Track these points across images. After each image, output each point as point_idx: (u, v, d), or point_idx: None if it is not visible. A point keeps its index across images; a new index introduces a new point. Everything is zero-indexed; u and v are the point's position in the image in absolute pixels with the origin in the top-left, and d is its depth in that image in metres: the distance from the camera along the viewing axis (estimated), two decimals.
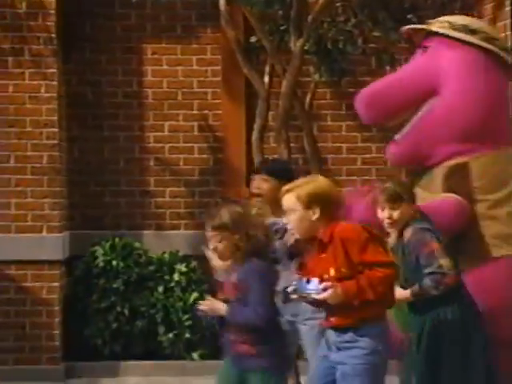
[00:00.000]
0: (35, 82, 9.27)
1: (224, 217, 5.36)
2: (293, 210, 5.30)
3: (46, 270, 9.30)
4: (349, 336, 5.21)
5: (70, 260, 9.58)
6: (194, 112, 10.06)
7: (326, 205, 5.26)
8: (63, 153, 9.55)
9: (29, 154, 9.24)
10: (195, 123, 10.08)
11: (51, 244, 9.26)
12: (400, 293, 5.65)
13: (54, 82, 9.33)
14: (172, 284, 9.58)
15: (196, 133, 10.08)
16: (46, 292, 9.30)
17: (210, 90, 10.02)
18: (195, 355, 9.42)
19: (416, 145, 6.57)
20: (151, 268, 9.62)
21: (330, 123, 10.00)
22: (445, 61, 6.66)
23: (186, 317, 9.38)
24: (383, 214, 5.81)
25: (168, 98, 10.03)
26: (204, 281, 9.53)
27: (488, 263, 6.57)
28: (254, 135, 8.94)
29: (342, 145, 10.05)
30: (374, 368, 5.21)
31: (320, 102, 9.72)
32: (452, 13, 8.63)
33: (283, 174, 6.53)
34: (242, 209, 5.53)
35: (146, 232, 9.94)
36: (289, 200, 5.32)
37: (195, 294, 9.43)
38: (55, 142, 9.33)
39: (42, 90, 9.29)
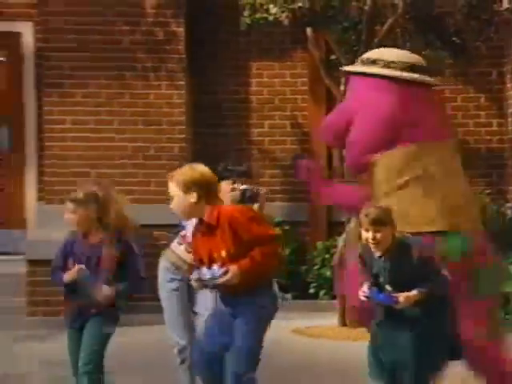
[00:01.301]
0: (169, 92, 9.34)
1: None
2: (175, 195, 4.72)
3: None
4: (243, 301, 4.75)
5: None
6: (287, 113, 10.09)
7: (202, 188, 4.67)
8: (190, 144, 9.61)
9: (164, 145, 9.33)
10: (288, 122, 10.11)
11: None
12: (408, 295, 4.93)
13: (183, 92, 9.40)
14: None
15: (288, 129, 10.12)
16: None
17: (299, 96, 10.04)
18: None
19: (350, 158, 6.01)
20: None
21: None
22: (354, 94, 6.08)
23: None
24: (367, 235, 5.02)
25: (267, 102, 10.06)
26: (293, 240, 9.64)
27: None
28: None
29: None
30: (261, 320, 4.81)
31: None
32: (487, 36, 8.69)
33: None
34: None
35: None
36: (171, 187, 4.74)
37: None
38: (184, 136, 9.41)
39: (175, 98, 9.35)
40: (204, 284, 4.68)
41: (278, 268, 4.93)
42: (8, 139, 10.03)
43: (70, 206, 5.23)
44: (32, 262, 8.72)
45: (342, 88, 8.91)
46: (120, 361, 6.56)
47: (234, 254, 4.63)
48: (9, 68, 9.96)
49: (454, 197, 5.87)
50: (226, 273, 4.58)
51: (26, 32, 9.74)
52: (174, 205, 4.71)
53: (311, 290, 9.59)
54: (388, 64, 5.97)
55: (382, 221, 4.98)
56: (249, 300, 4.73)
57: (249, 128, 10.10)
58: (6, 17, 9.74)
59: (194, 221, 5.00)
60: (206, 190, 4.68)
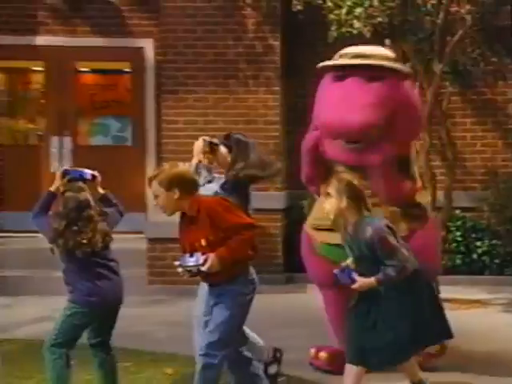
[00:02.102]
0: (266, 96, 9.33)
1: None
2: (158, 194, 4.46)
3: (272, 215, 9.34)
4: (221, 288, 4.48)
5: (287, 209, 9.59)
6: None
7: (183, 185, 4.43)
8: (282, 141, 9.56)
9: (261, 141, 9.23)
10: None
11: (275, 198, 9.32)
12: (364, 281, 4.59)
13: (278, 96, 9.37)
14: None
15: None
16: (271, 229, 9.35)
17: None
18: None
19: None
20: None
21: (458, 120, 9.72)
22: (400, 94, 5.63)
23: None
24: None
25: None
26: None
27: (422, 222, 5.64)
28: None
29: (467, 134, 9.77)
30: (240, 306, 4.49)
31: (452, 106, 9.41)
32: None
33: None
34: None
35: None
36: (154, 186, 4.47)
37: None
38: (278, 134, 9.39)
39: (270, 101, 9.34)
40: (187, 270, 4.39)
41: (254, 255, 4.52)
42: (132, 136, 10.16)
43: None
44: (151, 240, 8.90)
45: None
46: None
47: (212, 242, 4.37)
48: (133, 77, 10.11)
49: None
50: (206, 260, 4.33)
51: (148, 47, 9.84)
52: (158, 203, 4.47)
53: None
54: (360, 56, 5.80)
55: (338, 192, 4.59)
56: (229, 288, 4.46)
57: None
58: (131, 35, 9.86)
59: None
60: (186, 186, 4.44)
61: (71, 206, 4.62)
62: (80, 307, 4.67)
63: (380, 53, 5.77)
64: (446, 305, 7.98)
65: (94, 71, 10.27)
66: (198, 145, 5.33)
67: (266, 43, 9.28)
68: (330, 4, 8.32)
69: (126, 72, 10.16)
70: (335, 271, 4.67)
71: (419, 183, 5.84)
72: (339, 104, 5.54)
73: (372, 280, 4.58)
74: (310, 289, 8.91)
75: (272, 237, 9.36)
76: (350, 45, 9.40)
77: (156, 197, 4.47)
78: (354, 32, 8.22)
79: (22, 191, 9.23)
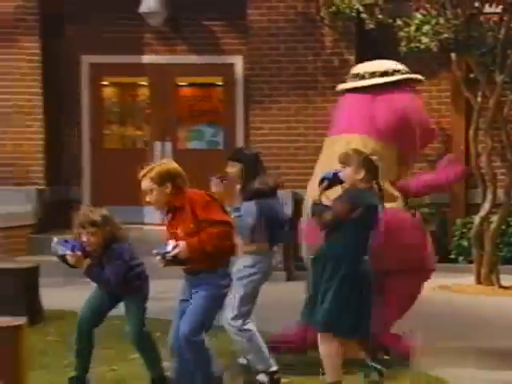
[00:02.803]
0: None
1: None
2: (150, 189, 4.17)
3: None
4: (198, 277, 4.18)
5: None
6: (433, 120, 9.72)
7: (174, 179, 4.15)
8: None
9: None
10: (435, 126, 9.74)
11: None
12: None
13: None
14: None
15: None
16: None
17: (443, 106, 9.60)
18: None
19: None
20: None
21: None
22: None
23: None
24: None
25: None
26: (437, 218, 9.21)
27: None
28: (471, 133, 8.54)
29: None
30: (216, 297, 4.19)
31: None
32: None
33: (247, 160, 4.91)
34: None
35: None
36: (146, 183, 4.18)
37: None
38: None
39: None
40: (162, 257, 4.07)
41: (231, 251, 4.23)
42: (223, 141, 10.15)
43: None
44: None
45: (478, 99, 8.56)
46: None
47: (190, 233, 4.08)
48: (225, 90, 10.09)
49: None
50: (175, 247, 4.06)
51: (238, 63, 9.81)
52: (151, 198, 4.19)
53: (451, 256, 9.23)
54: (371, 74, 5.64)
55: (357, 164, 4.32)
56: (208, 279, 4.16)
57: None
58: (223, 53, 9.83)
59: None
60: (176, 181, 4.16)
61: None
62: None
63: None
64: (505, 292, 7.94)
65: (191, 85, 10.31)
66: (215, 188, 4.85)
67: (341, 58, 9.15)
68: (399, 22, 8.24)
69: (219, 85, 10.17)
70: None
71: None
72: None
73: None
74: None
75: None
76: (419, 58, 9.35)
77: (148, 192, 4.18)
78: (422, 47, 8.13)
79: (128, 188, 9.36)
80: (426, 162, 9.65)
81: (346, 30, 9.08)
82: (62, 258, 4.50)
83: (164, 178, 4.15)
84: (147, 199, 4.24)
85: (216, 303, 4.23)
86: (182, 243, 4.05)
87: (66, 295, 7.19)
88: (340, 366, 4.33)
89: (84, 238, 4.52)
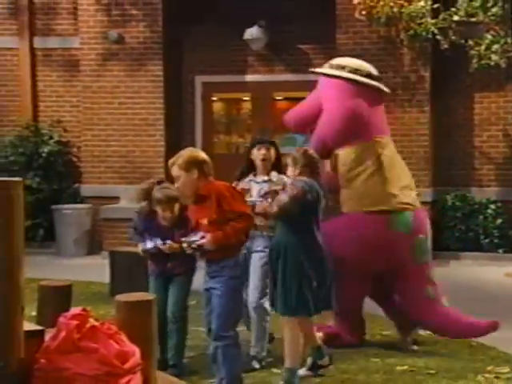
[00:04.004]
0: (418, 115, 9.00)
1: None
2: (179, 176, 3.80)
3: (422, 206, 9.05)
4: (215, 267, 3.79)
5: (433, 202, 9.19)
6: (500, 127, 9.31)
7: (200, 166, 3.78)
8: (431, 149, 9.13)
9: (414, 150, 9.00)
10: (500, 133, 9.32)
11: (424, 193, 8.83)
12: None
13: (427, 114, 9.05)
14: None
15: (500, 138, 9.33)
16: None
17: (509, 115, 9.23)
18: None
19: (315, 145, 4.89)
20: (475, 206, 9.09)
21: None
22: (324, 90, 5.09)
23: None
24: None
25: (486, 120, 9.36)
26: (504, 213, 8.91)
27: (341, 215, 4.95)
28: None
29: None
30: (234, 290, 3.77)
31: None
32: None
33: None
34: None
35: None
36: (174, 170, 3.82)
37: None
38: (427, 143, 9.01)
39: (421, 119, 9.00)
40: (188, 245, 3.82)
41: (245, 241, 3.88)
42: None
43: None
44: None
45: None
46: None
47: (214, 222, 3.73)
48: None
49: (399, 182, 4.84)
50: (203, 237, 3.76)
51: None
52: (180, 184, 3.83)
53: None
54: (354, 70, 4.99)
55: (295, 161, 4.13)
56: (223, 272, 3.76)
57: (473, 137, 9.52)
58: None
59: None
60: (203, 168, 3.80)
61: None
62: None
63: (333, 63, 5.19)
64: None
65: (286, 99, 10.37)
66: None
67: (418, 74, 9.03)
68: (471, 42, 8.05)
69: None
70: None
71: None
72: None
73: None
74: (453, 264, 8.63)
75: None
76: (487, 73, 9.07)
77: (176, 179, 3.84)
78: (492, 64, 7.93)
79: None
80: (493, 165, 9.40)
81: (422, 50, 8.95)
82: (157, 249, 4.28)
83: (190, 165, 3.79)
84: (176, 186, 3.94)
85: (235, 295, 3.82)
86: (209, 235, 3.74)
87: None
88: (300, 353, 4.11)
89: (160, 213, 4.29)
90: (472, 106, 9.47)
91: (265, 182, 4.57)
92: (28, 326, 2.42)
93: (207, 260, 3.86)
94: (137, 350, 2.39)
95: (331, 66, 5.11)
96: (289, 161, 4.21)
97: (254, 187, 4.56)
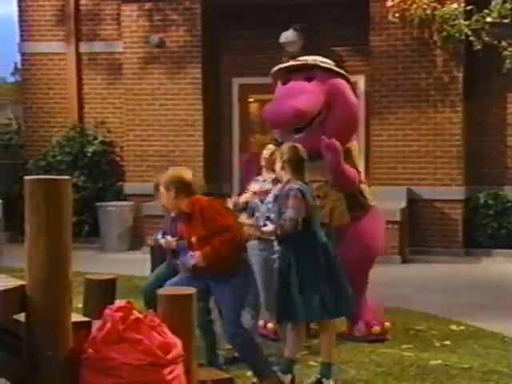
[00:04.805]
0: (450, 115, 8.85)
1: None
2: (163, 193, 3.87)
3: (454, 204, 8.90)
4: (219, 282, 3.74)
5: (465, 200, 9.05)
6: None
7: (179, 185, 3.76)
8: (463, 148, 9.00)
9: (446, 149, 8.88)
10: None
11: (457, 191, 8.82)
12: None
13: (460, 114, 8.85)
14: None
15: None
16: (454, 214, 8.87)
17: None
18: None
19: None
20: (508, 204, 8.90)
21: None
22: (332, 86, 4.82)
23: None
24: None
25: None
26: None
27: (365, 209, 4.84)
28: None
29: None
30: (238, 296, 3.74)
31: None
32: None
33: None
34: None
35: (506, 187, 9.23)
36: (161, 189, 3.90)
37: None
38: (459, 143, 8.89)
39: (454, 118, 8.83)
40: (183, 266, 3.84)
41: (240, 252, 3.78)
42: None
43: None
44: None
45: None
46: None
47: (203, 239, 3.70)
48: None
49: None
50: (193, 257, 3.74)
51: (360, 81, 9.69)
52: (162, 200, 3.93)
53: None
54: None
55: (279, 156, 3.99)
56: (224, 281, 3.72)
57: (505, 137, 9.31)
58: (348, 73, 9.41)
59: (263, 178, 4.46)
60: (181, 187, 3.77)
61: None
62: None
63: (316, 58, 5.04)
64: None
65: None
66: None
67: (451, 75, 8.88)
68: (504, 43, 7.89)
69: None
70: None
71: (361, 175, 5.03)
72: (278, 99, 4.97)
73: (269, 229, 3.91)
74: (485, 261, 8.47)
75: (454, 221, 8.95)
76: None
77: (162, 196, 3.92)
78: None
79: None
80: None
81: (455, 51, 8.80)
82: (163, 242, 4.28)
83: (170, 184, 3.81)
84: (160, 202, 4.06)
85: (239, 301, 3.80)
86: (198, 253, 3.71)
87: None
88: (300, 348, 4.06)
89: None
90: (505, 105, 9.25)
91: (264, 180, 4.60)
92: (76, 317, 2.47)
93: (210, 278, 3.76)
94: (178, 342, 2.42)
95: (324, 62, 4.97)
96: (277, 154, 4.11)
97: (254, 187, 4.64)
